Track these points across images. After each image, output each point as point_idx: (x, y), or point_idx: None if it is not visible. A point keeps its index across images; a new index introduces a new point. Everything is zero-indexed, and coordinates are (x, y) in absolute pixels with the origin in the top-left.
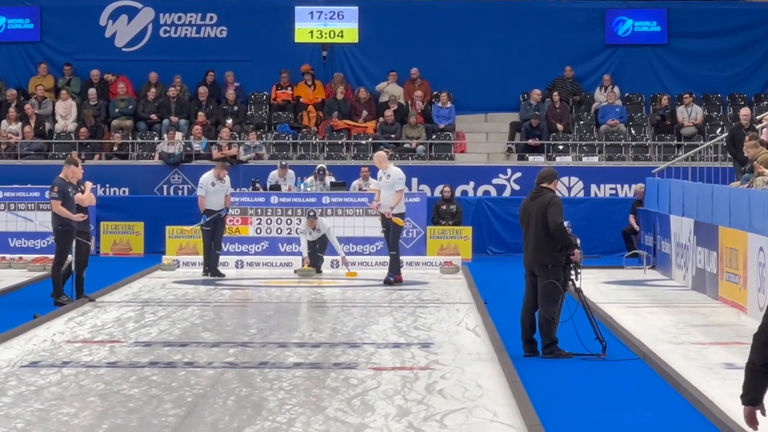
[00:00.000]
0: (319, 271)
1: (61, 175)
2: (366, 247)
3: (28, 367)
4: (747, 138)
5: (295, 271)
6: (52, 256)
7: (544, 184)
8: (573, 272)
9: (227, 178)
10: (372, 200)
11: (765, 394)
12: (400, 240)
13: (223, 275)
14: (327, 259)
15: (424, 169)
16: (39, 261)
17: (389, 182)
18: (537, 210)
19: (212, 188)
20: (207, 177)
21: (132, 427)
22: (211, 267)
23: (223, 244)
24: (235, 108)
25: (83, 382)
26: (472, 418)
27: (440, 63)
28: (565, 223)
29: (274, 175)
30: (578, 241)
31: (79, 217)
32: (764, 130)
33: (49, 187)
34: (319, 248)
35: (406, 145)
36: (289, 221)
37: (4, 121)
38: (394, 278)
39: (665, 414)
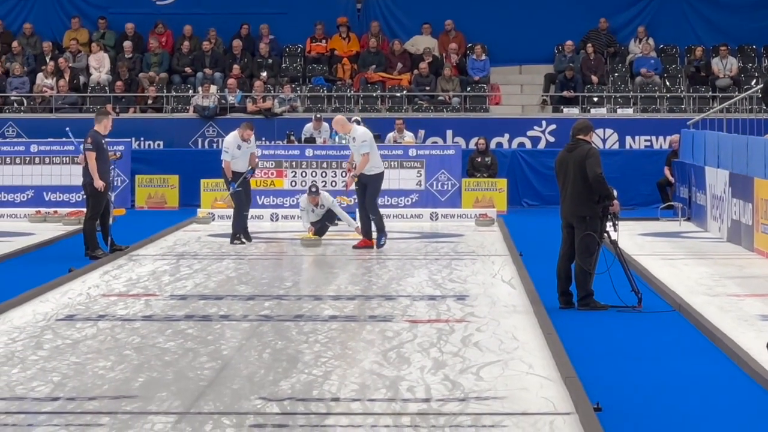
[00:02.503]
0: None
1: (95, 128)
2: (401, 200)
3: (64, 320)
4: None
5: (301, 241)
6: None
7: (580, 136)
8: (611, 223)
9: (253, 138)
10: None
11: None
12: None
13: (251, 239)
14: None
15: (459, 121)
16: (74, 215)
17: (356, 146)
18: (575, 162)
19: (238, 152)
20: (232, 140)
21: (168, 380)
22: (242, 230)
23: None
24: (270, 61)
25: (119, 336)
26: (507, 370)
27: (474, 15)
28: None
29: (308, 127)
30: (615, 193)
31: (101, 184)
32: None
33: (83, 139)
34: (327, 222)
35: (440, 98)
36: (324, 174)
37: (40, 75)
38: (384, 240)
39: (700, 366)
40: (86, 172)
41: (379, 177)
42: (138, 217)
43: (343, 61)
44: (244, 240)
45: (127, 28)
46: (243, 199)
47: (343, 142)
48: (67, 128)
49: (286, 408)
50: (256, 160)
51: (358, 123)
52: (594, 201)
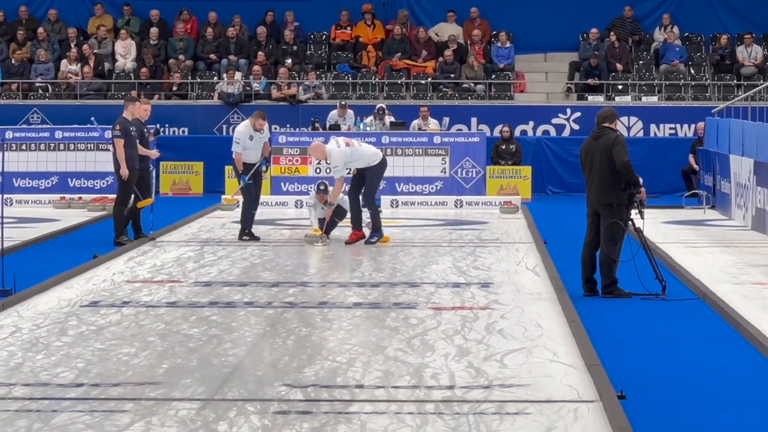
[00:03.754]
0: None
1: (123, 115)
2: (425, 187)
3: (88, 306)
4: None
5: (306, 236)
6: (112, 196)
7: (606, 124)
8: (636, 211)
9: (266, 127)
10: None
11: None
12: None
13: (258, 239)
14: (386, 199)
15: (484, 108)
16: (98, 201)
17: (334, 169)
18: (601, 149)
19: (250, 142)
20: (243, 130)
21: (192, 366)
22: (248, 228)
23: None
24: (294, 48)
25: (143, 322)
26: (531, 357)
27: (499, 2)
28: None
29: (333, 114)
30: (641, 180)
31: (125, 172)
32: None
33: (111, 126)
34: (336, 218)
35: (465, 85)
36: None
37: (64, 61)
38: (375, 239)
39: (725, 354)
40: (116, 159)
41: (378, 168)
42: (162, 203)
43: (368, 48)
44: (247, 237)
45: (151, 14)
46: (253, 193)
47: (368, 129)
48: (92, 117)
49: (310, 395)
50: (270, 149)
51: (383, 111)
52: (620, 189)
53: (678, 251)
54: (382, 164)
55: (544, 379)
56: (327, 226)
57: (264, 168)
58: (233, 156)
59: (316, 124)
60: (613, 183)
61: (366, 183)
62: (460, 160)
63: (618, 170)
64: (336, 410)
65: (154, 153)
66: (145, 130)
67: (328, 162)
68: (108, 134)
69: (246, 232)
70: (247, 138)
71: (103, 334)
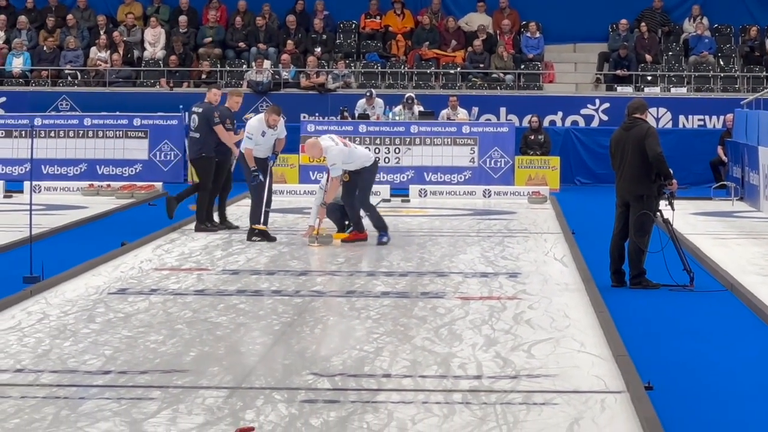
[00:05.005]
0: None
1: (226, 104)
2: (454, 177)
3: (116, 294)
4: None
5: (316, 238)
6: (141, 184)
7: (637, 115)
8: (666, 202)
9: (281, 123)
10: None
11: None
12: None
13: (274, 239)
14: (414, 188)
15: (513, 98)
16: (126, 188)
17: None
18: (633, 140)
19: (262, 138)
20: (256, 125)
21: (219, 354)
22: (258, 227)
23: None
24: (324, 36)
25: (171, 310)
26: (559, 348)
27: None
28: None
29: (362, 103)
30: (672, 172)
31: (234, 150)
32: None
33: (200, 114)
34: (362, 206)
35: (494, 75)
36: (377, 150)
37: (93, 48)
38: (386, 238)
39: (752, 346)
40: (194, 144)
41: (371, 169)
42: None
43: (397, 37)
44: (258, 238)
45: (181, 2)
46: (264, 191)
47: (397, 118)
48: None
49: (337, 384)
50: (283, 146)
51: (412, 100)
52: (651, 180)
53: (706, 243)
54: (375, 166)
55: (572, 370)
56: (336, 220)
57: (271, 162)
58: (243, 151)
59: (345, 113)
60: (644, 174)
61: (359, 185)
62: (488, 150)
63: (650, 161)
64: (363, 399)
65: (236, 151)
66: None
67: (324, 158)
68: (137, 121)
69: (257, 232)
70: (259, 134)
71: (131, 321)
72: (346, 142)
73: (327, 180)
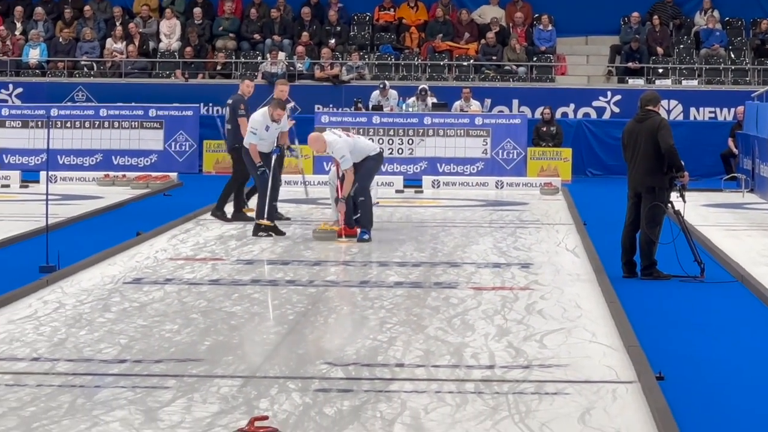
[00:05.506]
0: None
1: (239, 92)
2: (467, 168)
3: (132, 283)
4: None
5: (314, 232)
6: (154, 174)
7: (650, 107)
8: (677, 194)
9: (285, 118)
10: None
11: None
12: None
13: (283, 234)
14: (427, 179)
15: (525, 91)
16: (142, 179)
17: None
18: (646, 132)
19: (266, 133)
20: (260, 119)
21: (234, 344)
22: (264, 222)
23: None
24: (338, 28)
25: (186, 299)
26: (570, 338)
27: None
28: None
29: (375, 95)
30: (684, 165)
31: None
32: None
33: (230, 105)
34: (360, 190)
35: (507, 67)
36: (390, 141)
37: (109, 40)
38: (368, 236)
39: (763, 336)
40: (231, 135)
41: (376, 158)
42: (205, 181)
43: (411, 29)
44: (270, 233)
45: None
46: (269, 185)
47: (411, 110)
48: (292, 103)
49: (350, 373)
50: (287, 140)
51: (426, 92)
52: (663, 172)
53: (716, 234)
54: (380, 156)
55: (583, 360)
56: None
57: (276, 155)
58: (247, 147)
59: (359, 105)
60: (657, 166)
61: (361, 173)
62: (501, 142)
63: (662, 154)
64: (376, 388)
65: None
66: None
67: (329, 153)
68: (153, 112)
69: (263, 228)
70: (263, 128)
71: (146, 310)
72: (349, 134)
73: (337, 174)
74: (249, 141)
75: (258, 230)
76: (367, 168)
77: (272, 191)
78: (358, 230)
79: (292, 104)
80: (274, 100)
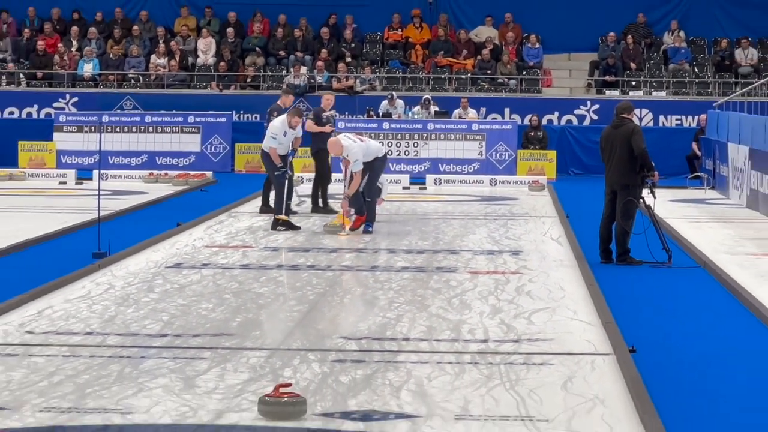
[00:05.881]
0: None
1: (278, 102)
2: (464, 167)
3: (172, 267)
4: None
5: (325, 226)
6: (192, 172)
7: (624, 115)
8: (647, 191)
9: (299, 126)
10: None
11: None
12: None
13: (299, 228)
14: (430, 177)
15: (515, 100)
16: (182, 176)
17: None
18: (621, 137)
19: (284, 138)
20: (279, 126)
21: (261, 320)
22: (281, 218)
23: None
24: (353, 46)
25: (219, 282)
26: (555, 316)
27: (530, 9)
28: None
29: (385, 104)
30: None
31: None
32: None
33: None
34: (366, 192)
35: (499, 80)
36: (398, 144)
37: (153, 55)
38: (372, 228)
39: (722, 315)
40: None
41: (382, 160)
42: (237, 179)
43: (416, 47)
44: (285, 228)
45: (229, 16)
46: (289, 183)
47: (416, 117)
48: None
49: (363, 346)
50: (299, 143)
51: (429, 101)
52: (636, 171)
53: (682, 225)
54: (385, 157)
55: (566, 335)
56: (358, 209)
57: (291, 157)
58: (267, 150)
59: (371, 112)
60: (630, 166)
61: (369, 174)
62: (494, 145)
63: (635, 156)
64: (386, 359)
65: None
66: (323, 116)
67: (345, 156)
68: (191, 119)
69: (281, 222)
70: (282, 134)
71: (185, 291)
72: (361, 138)
73: (346, 174)
74: (269, 145)
75: (276, 225)
76: (376, 168)
77: (288, 190)
78: (364, 222)
79: (333, 113)
80: (292, 109)
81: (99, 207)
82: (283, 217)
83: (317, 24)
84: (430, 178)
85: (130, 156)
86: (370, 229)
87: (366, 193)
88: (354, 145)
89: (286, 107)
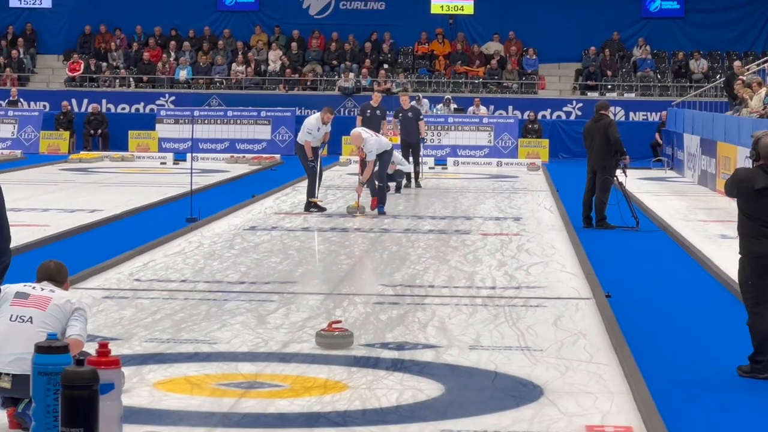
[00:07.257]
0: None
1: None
2: (477, 152)
3: (248, 230)
4: (737, 82)
5: (348, 208)
6: (264, 156)
7: (602, 111)
8: (621, 171)
9: (330, 123)
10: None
11: None
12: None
13: (325, 209)
14: (451, 160)
15: (517, 100)
16: (256, 159)
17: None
18: (599, 129)
19: (317, 133)
20: (314, 122)
21: (318, 271)
22: (314, 201)
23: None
24: (390, 56)
25: (285, 241)
26: (547, 268)
27: (529, 28)
28: None
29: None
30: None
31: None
32: (750, 76)
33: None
34: (378, 178)
35: (504, 84)
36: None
37: (234, 64)
38: (384, 209)
39: (679, 269)
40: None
41: (387, 153)
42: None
43: (440, 58)
44: (316, 209)
45: (293, 33)
46: (318, 172)
47: (439, 112)
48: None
49: (398, 291)
50: (328, 137)
51: (449, 101)
52: (611, 156)
53: (647, 198)
54: (392, 150)
55: (556, 283)
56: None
57: (321, 150)
58: (302, 143)
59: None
60: (607, 152)
61: (381, 164)
62: (500, 135)
63: (611, 143)
64: (415, 302)
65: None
66: (378, 112)
67: (362, 147)
68: (263, 113)
69: (313, 204)
70: (316, 129)
71: (259, 248)
72: (375, 134)
73: (360, 163)
74: (305, 139)
75: (309, 206)
76: (385, 160)
77: (318, 178)
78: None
79: (422, 100)
80: (325, 107)
81: (191, 182)
82: (315, 199)
83: (362, 39)
84: (450, 160)
85: (216, 142)
86: (383, 210)
87: (378, 179)
88: (371, 139)
89: (376, 106)
